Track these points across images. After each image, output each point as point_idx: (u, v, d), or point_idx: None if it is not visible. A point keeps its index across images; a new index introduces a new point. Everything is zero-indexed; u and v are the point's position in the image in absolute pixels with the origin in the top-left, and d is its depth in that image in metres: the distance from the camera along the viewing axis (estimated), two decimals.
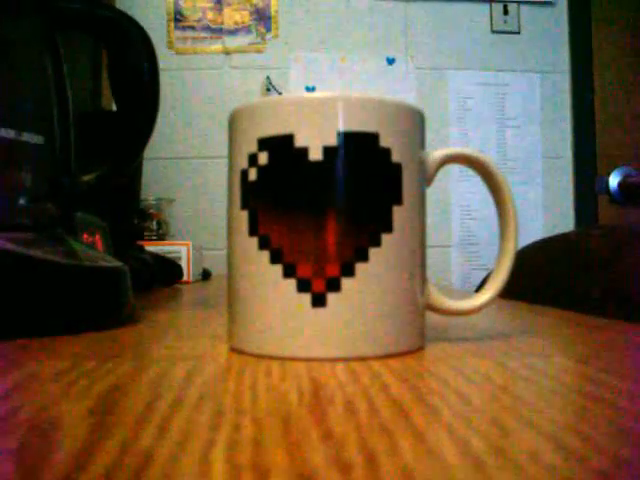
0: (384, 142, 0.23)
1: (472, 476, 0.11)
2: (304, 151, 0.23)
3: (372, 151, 0.23)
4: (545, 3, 1.49)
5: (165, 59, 1.39)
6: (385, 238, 0.23)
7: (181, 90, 1.42)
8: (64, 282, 0.29)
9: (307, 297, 0.22)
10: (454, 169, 1.42)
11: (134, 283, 0.36)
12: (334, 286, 0.22)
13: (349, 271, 0.22)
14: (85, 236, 0.51)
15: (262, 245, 0.23)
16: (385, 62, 1.46)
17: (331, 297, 0.22)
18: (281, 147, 0.23)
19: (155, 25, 1.41)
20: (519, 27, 1.48)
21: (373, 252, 0.23)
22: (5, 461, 0.11)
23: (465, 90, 1.47)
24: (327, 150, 0.23)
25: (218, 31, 1.44)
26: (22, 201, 0.32)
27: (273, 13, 1.45)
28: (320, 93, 0.23)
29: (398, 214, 0.23)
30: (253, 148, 0.24)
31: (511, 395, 0.17)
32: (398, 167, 0.24)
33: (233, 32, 1.44)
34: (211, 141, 1.42)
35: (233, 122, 0.25)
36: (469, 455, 0.12)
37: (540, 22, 1.49)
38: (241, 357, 0.23)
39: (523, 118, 1.47)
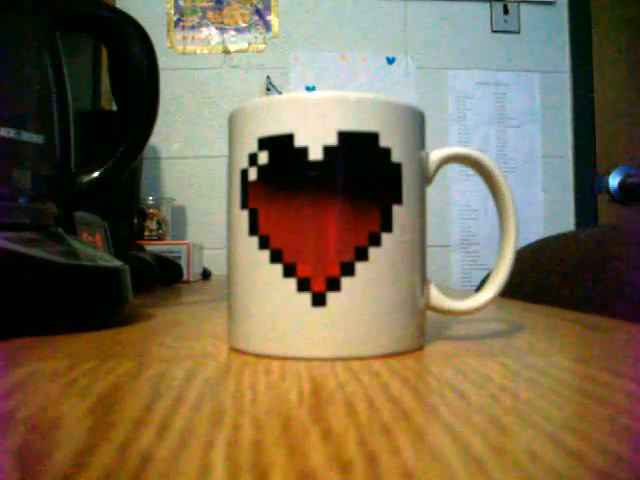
0: (384, 142, 0.23)
1: (472, 476, 0.11)
2: (304, 151, 0.23)
3: (372, 151, 0.23)
4: (545, 3, 1.49)
5: (165, 59, 1.39)
6: (385, 238, 0.23)
7: (181, 90, 1.42)
8: (64, 281, 0.29)
9: (307, 297, 0.22)
10: (454, 169, 1.42)
11: (134, 283, 0.36)
12: (334, 286, 0.22)
13: (349, 271, 0.22)
14: (85, 236, 0.51)
15: (262, 245, 0.23)
16: (385, 62, 1.46)
17: (331, 297, 0.22)
18: (281, 147, 0.23)
19: (155, 25, 1.41)
20: (519, 27, 1.48)
21: (373, 252, 0.23)
22: (5, 461, 0.11)
23: (465, 90, 1.47)
24: (327, 150, 0.23)
25: (218, 31, 1.44)
26: (22, 201, 0.32)
27: (273, 13, 1.45)
28: (320, 93, 0.23)
29: (398, 214, 0.23)
30: (253, 148, 0.24)
31: (511, 395, 0.17)
32: (398, 167, 0.24)
33: (233, 32, 1.44)
34: (211, 141, 1.41)
35: (233, 122, 0.25)
36: (469, 455, 0.12)
37: (540, 22, 1.49)
38: (241, 357, 0.23)
39: (523, 118, 1.47)
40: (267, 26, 1.45)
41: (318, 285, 0.22)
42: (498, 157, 1.45)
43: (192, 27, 1.44)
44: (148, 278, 0.64)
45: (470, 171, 0.28)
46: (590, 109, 1.48)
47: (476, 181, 1.43)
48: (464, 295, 0.28)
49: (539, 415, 0.15)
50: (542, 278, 0.65)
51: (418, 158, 0.25)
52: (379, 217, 0.23)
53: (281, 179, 0.23)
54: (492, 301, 0.27)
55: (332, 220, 0.23)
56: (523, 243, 0.70)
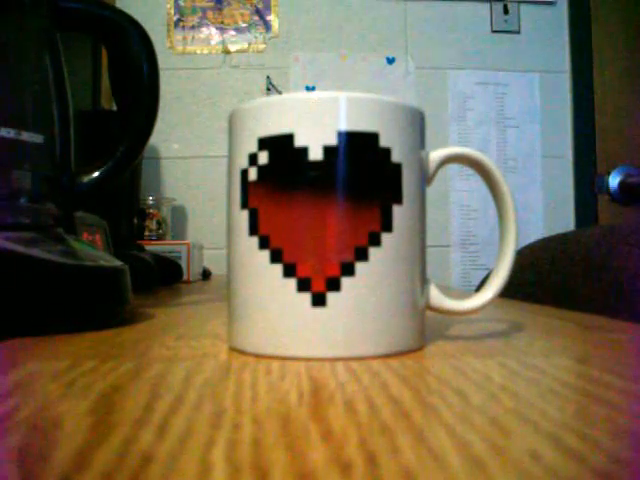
0: (384, 142, 0.23)
1: (472, 476, 0.11)
2: (304, 151, 0.23)
3: (372, 151, 0.23)
4: (545, 3, 1.49)
5: (165, 59, 1.39)
6: (385, 238, 0.23)
7: (181, 90, 1.42)
8: (64, 281, 0.29)
9: (307, 297, 0.22)
10: (454, 169, 1.42)
11: (134, 283, 0.36)
12: (334, 286, 0.22)
13: (349, 271, 0.22)
14: (85, 236, 0.51)
15: (262, 245, 0.23)
16: (385, 62, 1.46)
17: (331, 297, 0.22)
18: (281, 146, 0.23)
19: (155, 25, 1.41)
20: (519, 27, 1.48)
21: (373, 252, 0.23)
22: (5, 461, 0.11)
23: (465, 90, 1.47)
24: (327, 150, 0.23)
25: (218, 31, 1.44)
26: (22, 201, 0.32)
27: (273, 13, 1.45)
28: (320, 93, 0.23)
29: (398, 214, 0.23)
30: (253, 148, 0.24)
31: (511, 395, 0.17)
32: (398, 167, 0.24)
33: (233, 32, 1.44)
34: (211, 141, 1.41)
35: (233, 122, 0.25)
36: (469, 455, 0.12)
37: (540, 22, 1.49)
38: (241, 357, 0.23)
39: (523, 118, 1.47)
40: (267, 26, 1.45)
41: (318, 285, 0.22)
42: (498, 157, 1.45)
43: (192, 27, 1.44)
44: (148, 278, 0.64)
45: (470, 171, 0.28)
46: (590, 109, 1.48)
47: (476, 181, 1.44)
48: (464, 295, 0.28)
49: (539, 415, 0.15)
50: (542, 278, 0.65)
51: (418, 158, 0.25)
52: (379, 217, 0.23)
53: (281, 179, 0.23)
54: (492, 301, 0.27)
55: (332, 220, 0.23)
56: (523, 243, 0.70)
